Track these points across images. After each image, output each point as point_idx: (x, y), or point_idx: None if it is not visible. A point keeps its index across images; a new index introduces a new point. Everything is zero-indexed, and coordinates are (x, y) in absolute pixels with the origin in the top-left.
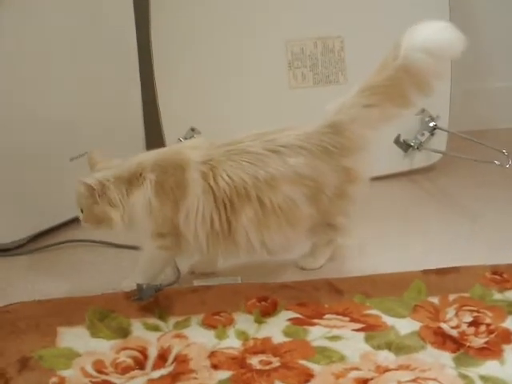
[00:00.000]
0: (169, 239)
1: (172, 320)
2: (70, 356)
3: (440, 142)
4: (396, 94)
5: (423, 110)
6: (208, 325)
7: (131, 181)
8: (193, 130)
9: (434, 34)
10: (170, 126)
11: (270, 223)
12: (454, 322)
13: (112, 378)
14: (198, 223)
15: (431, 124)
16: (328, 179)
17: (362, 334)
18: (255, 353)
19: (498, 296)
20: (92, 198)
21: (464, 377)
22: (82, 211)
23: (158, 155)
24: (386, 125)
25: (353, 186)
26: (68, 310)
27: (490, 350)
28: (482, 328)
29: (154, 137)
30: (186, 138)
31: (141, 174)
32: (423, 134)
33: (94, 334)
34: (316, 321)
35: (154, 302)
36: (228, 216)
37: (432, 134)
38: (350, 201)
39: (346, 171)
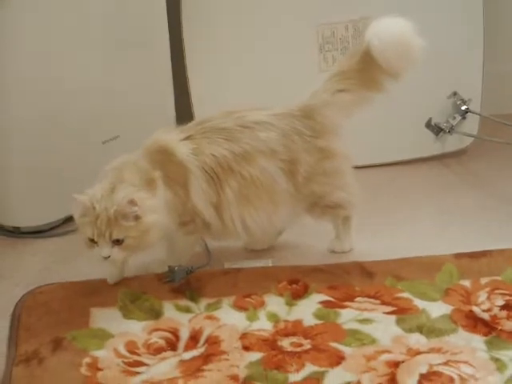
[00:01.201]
0: (192, 225)
1: (203, 302)
2: (103, 337)
3: (472, 125)
4: (366, 78)
5: (455, 93)
6: (239, 307)
7: (148, 186)
8: None
9: (395, 26)
10: (201, 109)
11: (250, 195)
12: (486, 306)
13: (144, 358)
14: (203, 199)
15: (463, 107)
16: (301, 157)
17: (393, 317)
18: (286, 335)
19: None
20: (135, 216)
21: (496, 360)
22: (119, 241)
23: (145, 154)
24: (359, 109)
25: (330, 162)
26: (101, 292)
27: None
28: None
29: (184, 120)
30: None
31: (150, 177)
32: (455, 118)
33: (127, 315)
34: (347, 303)
35: (185, 283)
36: (218, 191)
37: (464, 118)
38: (336, 176)
39: (320, 150)
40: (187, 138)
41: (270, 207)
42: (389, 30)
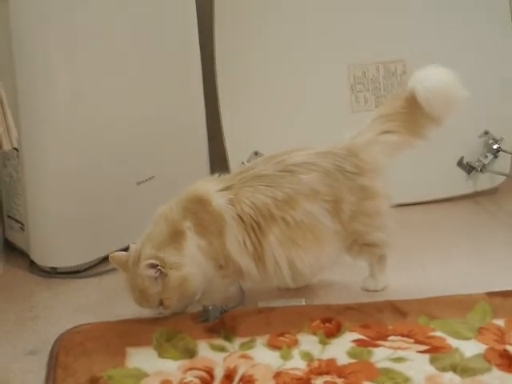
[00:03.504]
0: (226, 269)
1: (237, 341)
2: (139, 376)
3: (504, 164)
4: (411, 122)
5: (487, 133)
6: (273, 345)
7: (175, 239)
8: (256, 153)
9: (440, 75)
10: (234, 150)
11: (296, 239)
12: None
13: None
14: (238, 250)
15: (495, 146)
16: (344, 195)
17: (426, 356)
18: (320, 374)
19: None
20: (161, 277)
21: None
22: (161, 304)
23: (179, 202)
24: (401, 152)
25: (373, 202)
26: (136, 331)
27: None
28: None
29: (218, 161)
30: (249, 162)
31: (178, 229)
32: (486, 157)
33: (162, 354)
34: (380, 342)
35: (219, 323)
36: (258, 238)
37: (495, 157)
38: (376, 216)
39: (362, 189)
40: (226, 189)
41: (316, 247)
42: (433, 78)
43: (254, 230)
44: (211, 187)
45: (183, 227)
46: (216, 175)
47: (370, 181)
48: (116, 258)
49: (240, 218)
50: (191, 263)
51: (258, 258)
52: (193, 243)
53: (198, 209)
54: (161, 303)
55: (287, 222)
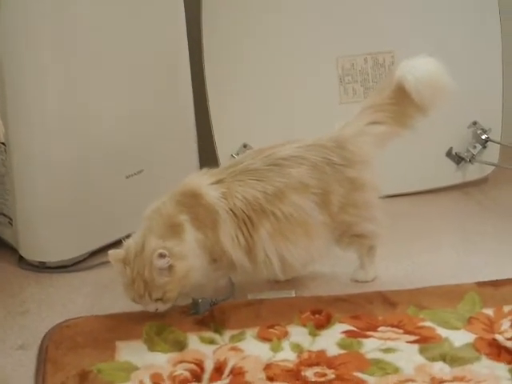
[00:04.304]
0: (220, 262)
1: (227, 333)
2: (129, 369)
3: (492, 154)
4: (398, 112)
5: (475, 123)
6: (263, 338)
7: (175, 231)
8: (245, 146)
9: (427, 64)
10: (223, 143)
11: (286, 232)
12: (509, 334)
13: None
14: (230, 243)
15: (483, 136)
16: (333, 187)
17: (416, 346)
18: (310, 365)
19: None
20: (169, 267)
21: None
22: (160, 299)
23: (172, 197)
24: (389, 142)
25: (361, 193)
26: (126, 325)
27: None
28: None
29: (207, 153)
30: (238, 154)
31: (175, 222)
32: (475, 147)
33: (151, 347)
34: (370, 333)
35: (209, 315)
36: (250, 232)
37: (484, 147)
38: (365, 208)
39: (351, 181)
40: (218, 182)
41: (306, 240)
42: (422, 68)
43: (245, 224)
44: (203, 181)
45: (180, 220)
46: (205, 169)
47: (358, 172)
48: (114, 254)
49: (233, 212)
50: (191, 255)
51: (249, 251)
52: (191, 236)
53: (192, 202)
54: (161, 297)
55: (277, 216)
